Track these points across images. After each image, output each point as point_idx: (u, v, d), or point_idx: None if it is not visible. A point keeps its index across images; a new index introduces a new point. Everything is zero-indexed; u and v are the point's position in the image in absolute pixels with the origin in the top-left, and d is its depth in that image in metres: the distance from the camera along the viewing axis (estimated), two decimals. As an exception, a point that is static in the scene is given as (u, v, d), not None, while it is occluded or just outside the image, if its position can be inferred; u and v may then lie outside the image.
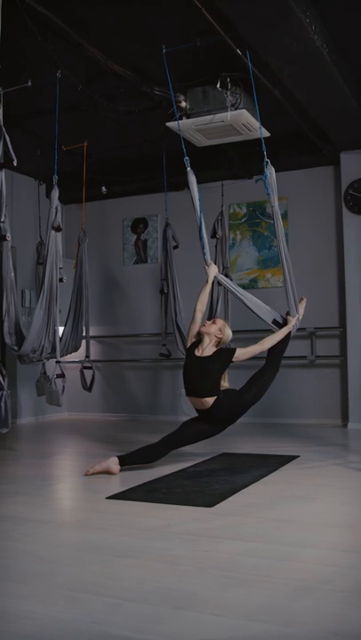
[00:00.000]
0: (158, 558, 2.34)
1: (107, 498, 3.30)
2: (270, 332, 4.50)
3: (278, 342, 4.37)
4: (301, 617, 1.81)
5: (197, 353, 4.16)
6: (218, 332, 4.18)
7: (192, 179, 4.43)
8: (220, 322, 4.26)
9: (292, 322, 4.29)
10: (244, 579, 2.10)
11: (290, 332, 4.38)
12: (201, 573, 2.17)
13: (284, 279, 4.35)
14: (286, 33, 3.89)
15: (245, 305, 4.39)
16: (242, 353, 4.13)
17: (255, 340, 6.66)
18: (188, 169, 4.41)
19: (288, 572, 2.17)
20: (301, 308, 4.46)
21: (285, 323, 4.36)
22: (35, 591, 2.05)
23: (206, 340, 4.17)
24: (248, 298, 4.40)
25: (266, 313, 4.40)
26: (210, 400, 4.02)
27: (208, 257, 4.48)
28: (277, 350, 4.36)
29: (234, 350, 4.13)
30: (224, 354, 4.15)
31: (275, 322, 4.40)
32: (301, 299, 4.47)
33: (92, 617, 1.83)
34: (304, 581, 2.06)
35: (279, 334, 4.26)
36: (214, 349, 4.17)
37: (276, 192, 4.28)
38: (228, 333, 4.24)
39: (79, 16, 4.11)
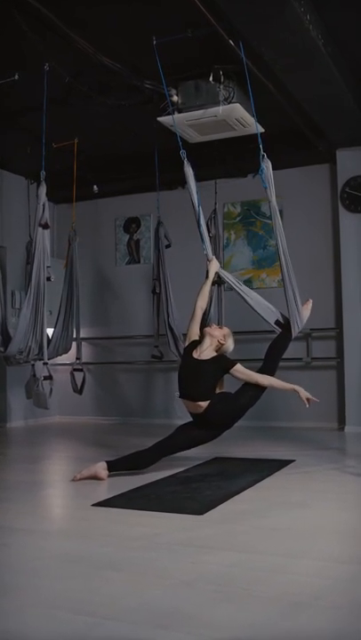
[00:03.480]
0: (143, 571, 2.20)
1: (92, 505, 3.15)
2: (272, 333, 4.32)
3: (278, 345, 4.22)
4: (293, 636, 1.67)
5: (195, 355, 4.01)
6: (222, 337, 4.05)
7: (189, 172, 4.30)
8: (226, 330, 4.14)
9: (303, 394, 4.00)
10: (233, 593, 1.96)
11: (291, 336, 4.20)
12: (187, 587, 2.03)
13: (283, 277, 4.17)
14: (280, 23, 3.76)
15: (247, 303, 4.22)
16: (241, 371, 3.93)
17: (252, 342, 6.54)
18: (185, 161, 4.28)
19: (280, 585, 2.03)
20: (307, 309, 4.29)
21: (288, 323, 4.18)
22: (10, 608, 1.91)
23: (207, 341, 4.03)
24: (251, 296, 4.24)
25: (269, 313, 4.23)
26: (203, 404, 3.87)
27: (209, 251, 4.35)
28: (276, 353, 4.20)
29: (235, 363, 3.95)
30: (223, 361, 3.98)
31: (277, 322, 4.23)
32: (307, 300, 4.30)
33: (67, 638, 1.69)
34: (297, 596, 1.92)
35: (285, 386, 4.01)
36: (213, 354, 4.02)
37: (273, 186, 4.14)
38: (231, 344, 4.10)
39: (67, 8, 3.97)
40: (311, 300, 4.36)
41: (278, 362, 4.21)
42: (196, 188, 4.31)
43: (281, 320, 4.23)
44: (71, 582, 2.11)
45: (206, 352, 4.00)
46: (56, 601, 1.94)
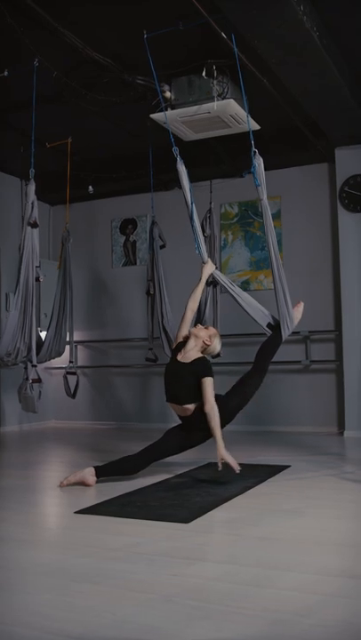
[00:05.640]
0: (120, 584, 2.06)
1: (75, 512, 3.02)
2: (264, 335, 4.22)
3: (268, 347, 4.11)
4: (276, 659, 1.54)
5: (179, 357, 3.87)
6: (207, 338, 3.88)
7: (182, 169, 4.17)
8: (212, 330, 3.98)
9: (221, 456, 3.61)
10: (213, 610, 1.82)
11: (281, 338, 4.08)
12: (165, 603, 1.89)
13: (273, 278, 4.09)
14: (273, 13, 3.64)
15: (239, 305, 4.12)
16: (205, 387, 3.67)
17: (248, 345, 6.41)
18: (178, 158, 4.16)
19: (265, 601, 1.89)
20: (298, 312, 4.17)
21: (278, 325, 4.07)
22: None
23: (192, 342, 3.88)
24: (243, 298, 4.12)
25: (261, 316, 4.12)
26: (190, 407, 3.75)
27: (204, 253, 4.22)
28: (265, 355, 4.09)
29: (206, 375, 3.69)
30: (200, 366, 3.75)
31: (269, 325, 4.13)
32: (298, 302, 4.19)
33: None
34: (281, 613, 1.78)
35: (216, 435, 3.62)
36: (198, 355, 3.85)
37: (265, 184, 4.03)
38: (216, 345, 3.93)
39: (59, 3, 3.86)
40: (302, 303, 4.24)
41: (268, 364, 4.10)
42: (189, 187, 4.20)
43: (272, 323, 4.14)
44: (41, 596, 1.98)
45: (190, 353, 3.85)
46: (21, 617, 1.81)
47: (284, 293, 4.03)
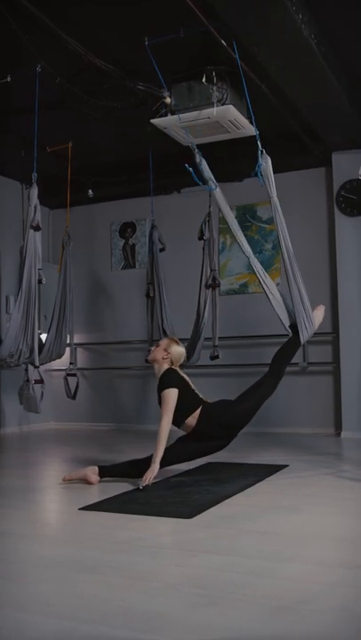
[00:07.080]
0: (125, 574, 2.12)
1: (79, 509, 3.08)
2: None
3: (286, 350, 4.06)
4: (278, 641, 1.60)
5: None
6: (164, 354, 3.84)
7: (203, 162, 4.14)
8: (162, 342, 3.94)
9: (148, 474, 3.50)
10: (216, 597, 1.89)
11: (300, 340, 4.01)
12: (170, 591, 1.96)
13: (287, 276, 4.00)
14: (272, 19, 3.72)
15: (268, 299, 4.02)
16: (163, 397, 3.66)
17: (246, 347, 6.47)
18: (196, 152, 4.16)
19: (266, 589, 1.96)
20: (318, 314, 4.07)
21: (296, 330, 4.00)
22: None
23: (156, 368, 3.87)
24: (273, 292, 4.00)
25: (285, 315, 4.03)
26: (189, 421, 3.76)
27: (248, 250, 4.12)
28: (282, 358, 4.04)
29: (167, 387, 3.68)
30: (161, 383, 3.73)
31: (291, 327, 4.03)
32: (318, 305, 4.11)
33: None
34: (282, 600, 1.84)
35: (156, 453, 3.54)
36: (164, 370, 3.81)
37: (273, 182, 4.08)
38: (177, 350, 3.85)
39: (59, 7, 3.94)
40: (323, 306, 4.16)
41: (285, 367, 4.05)
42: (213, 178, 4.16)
43: (295, 324, 4.03)
44: (47, 585, 2.04)
45: (158, 376, 3.81)
46: (27, 604, 1.87)
47: (300, 294, 3.93)
